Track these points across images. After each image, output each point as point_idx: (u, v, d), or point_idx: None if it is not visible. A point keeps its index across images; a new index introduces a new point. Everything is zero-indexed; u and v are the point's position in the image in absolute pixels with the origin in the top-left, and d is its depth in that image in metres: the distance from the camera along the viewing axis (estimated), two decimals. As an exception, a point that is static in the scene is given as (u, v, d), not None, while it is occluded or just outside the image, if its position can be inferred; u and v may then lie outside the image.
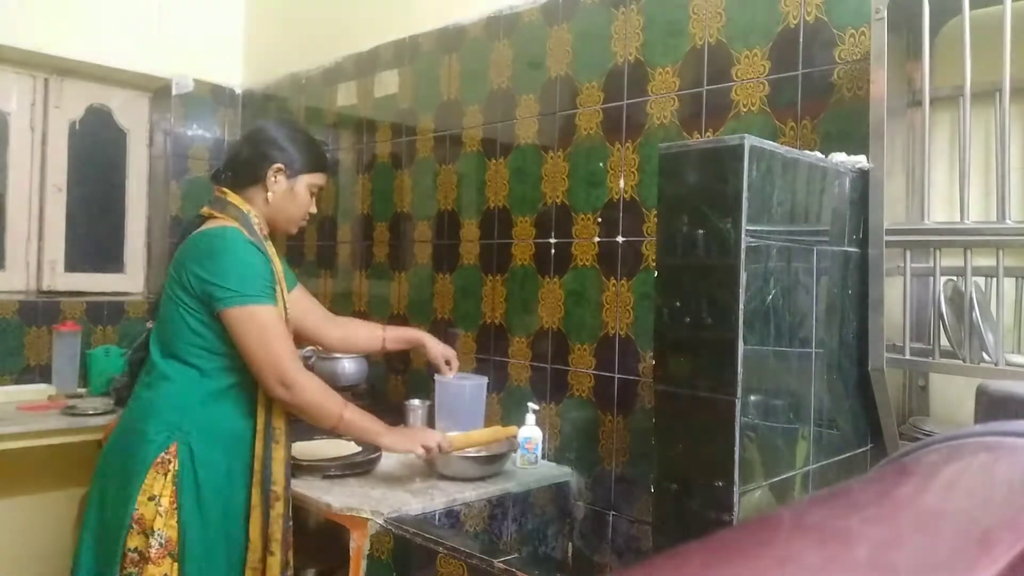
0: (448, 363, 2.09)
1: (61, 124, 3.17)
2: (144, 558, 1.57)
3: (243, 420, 1.70)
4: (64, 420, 2.50)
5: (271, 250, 1.76)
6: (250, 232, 1.71)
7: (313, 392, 1.65)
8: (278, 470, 1.70)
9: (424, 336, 2.12)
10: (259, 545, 1.69)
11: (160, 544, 1.58)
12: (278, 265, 1.77)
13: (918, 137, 1.51)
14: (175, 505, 1.60)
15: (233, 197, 1.76)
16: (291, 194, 1.79)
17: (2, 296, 3.00)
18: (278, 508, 1.69)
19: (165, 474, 1.60)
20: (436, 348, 2.09)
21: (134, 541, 1.58)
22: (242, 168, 1.79)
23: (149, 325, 1.79)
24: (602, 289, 2.10)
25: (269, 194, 1.77)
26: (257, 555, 1.69)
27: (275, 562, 1.68)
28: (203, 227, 1.72)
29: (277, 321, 1.65)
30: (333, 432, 1.76)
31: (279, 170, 1.77)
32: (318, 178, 1.84)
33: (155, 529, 1.58)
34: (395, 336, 2.14)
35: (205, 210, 1.77)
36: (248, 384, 1.69)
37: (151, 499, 1.58)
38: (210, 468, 1.64)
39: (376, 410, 2.50)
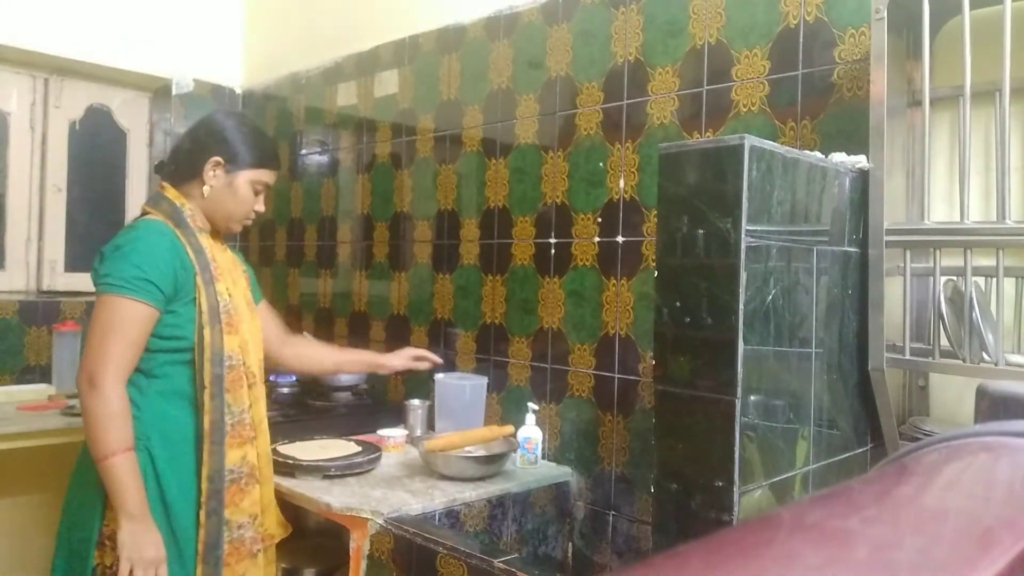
0: (421, 358, 2.03)
1: (61, 124, 3.17)
2: (112, 572, 1.51)
3: (194, 418, 1.60)
4: (64, 420, 2.49)
5: (206, 243, 1.65)
6: (178, 224, 1.62)
7: (109, 407, 1.47)
8: (203, 474, 1.58)
9: (381, 358, 2.02)
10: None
11: None
12: (218, 259, 1.66)
13: (918, 137, 1.51)
14: None
15: (170, 191, 1.68)
16: (230, 190, 1.68)
17: (2, 296, 3.00)
18: (200, 517, 1.57)
19: None
20: (397, 361, 2.01)
21: (108, 558, 1.52)
22: (182, 160, 1.70)
23: None
24: (602, 289, 2.10)
25: (206, 188, 1.67)
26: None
27: None
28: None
29: (131, 321, 1.50)
30: (96, 465, 1.49)
31: (217, 164, 1.67)
32: (263, 175, 1.72)
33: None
34: (352, 359, 2.07)
35: (143, 206, 1.70)
36: (189, 379, 1.60)
37: None
38: (173, 472, 1.56)
39: (376, 410, 2.53)
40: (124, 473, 1.48)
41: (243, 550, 1.63)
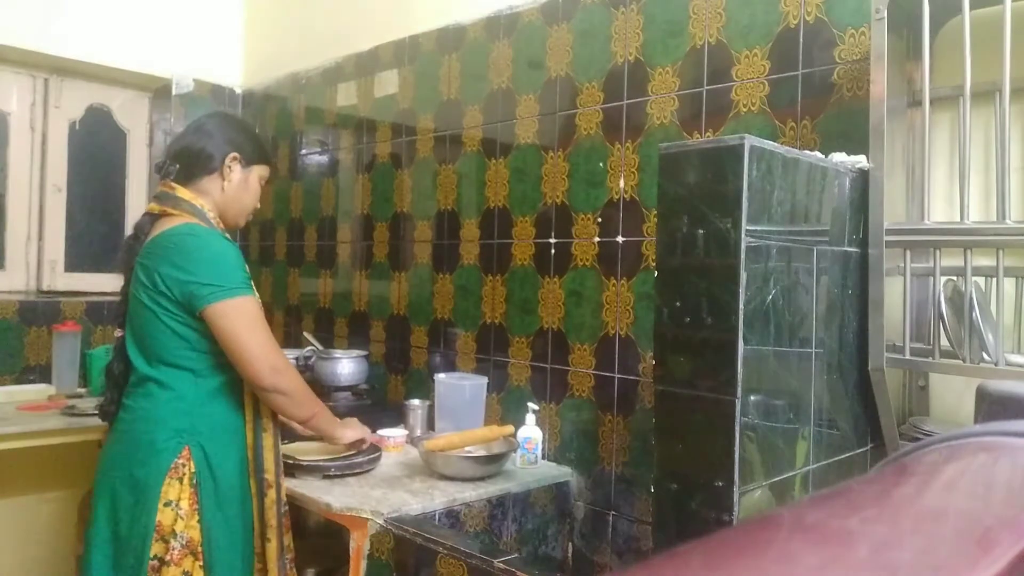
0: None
1: (61, 124, 3.17)
2: (164, 562, 1.58)
3: (237, 413, 1.70)
4: (64, 420, 2.49)
5: None
6: (208, 226, 1.69)
7: (299, 379, 1.70)
8: (268, 458, 1.71)
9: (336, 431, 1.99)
10: (257, 532, 1.72)
11: (181, 545, 1.59)
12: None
13: (918, 137, 1.51)
14: (195, 507, 1.61)
15: (182, 192, 1.71)
16: (245, 184, 1.79)
17: (2, 296, 3.00)
18: (271, 495, 1.70)
19: (180, 479, 1.61)
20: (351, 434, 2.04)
21: (155, 548, 1.59)
22: (195, 159, 1.74)
23: (118, 334, 1.74)
24: (602, 289, 2.10)
25: (225, 183, 1.75)
26: (256, 542, 1.73)
27: (272, 548, 1.71)
28: (164, 227, 1.68)
29: (260, 311, 1.66)
30: (303, 424, 1.79)
31: (235, 159, 1.76)
32: (266, 170, 1.85)
33: (176, 532, 1.59)
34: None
35: (155, 207, 1.72)
36: (235, 377, 1.68)
37: (167, 505, 1.59)
38: (224, 465, 1.66)
39: (376, 410, 2.53)
40: (328, 416, 1.84)
41: (285, 525, 1.77)
